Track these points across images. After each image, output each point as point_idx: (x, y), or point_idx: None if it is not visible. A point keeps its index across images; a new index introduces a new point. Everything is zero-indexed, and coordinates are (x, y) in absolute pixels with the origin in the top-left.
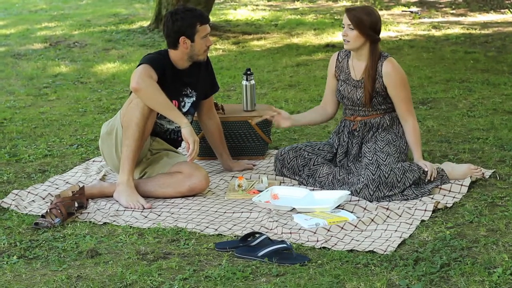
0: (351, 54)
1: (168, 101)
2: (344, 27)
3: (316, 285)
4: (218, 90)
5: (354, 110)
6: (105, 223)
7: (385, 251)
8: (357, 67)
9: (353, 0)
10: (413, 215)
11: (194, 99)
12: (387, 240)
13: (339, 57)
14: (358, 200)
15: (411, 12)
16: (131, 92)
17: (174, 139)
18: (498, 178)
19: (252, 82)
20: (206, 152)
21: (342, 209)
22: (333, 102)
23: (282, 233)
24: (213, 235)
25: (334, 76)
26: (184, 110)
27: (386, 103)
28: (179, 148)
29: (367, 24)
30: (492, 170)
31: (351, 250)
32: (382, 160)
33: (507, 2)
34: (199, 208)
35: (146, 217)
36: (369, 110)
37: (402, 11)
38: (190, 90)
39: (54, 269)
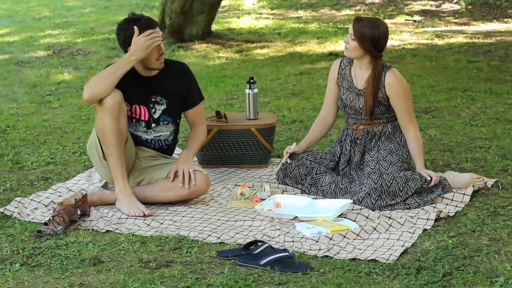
0: (354, 62)
1: (109, 67)
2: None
3: None
4: (198, 104)
5: (357, 119)
6: (107, 231)
7: (387, 260)
8: (360, 76)
9: (356, 9)
10: (415, 224)
11: (165, 107)
12: (389, 249)
13: (342, 64)
14: (361, 208)
15: (414, 21)
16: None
17: (159, 148)
18: (501, 187)
19: (255, 90)
20: (208, 160)
21: (345, 217)
22: (334, 110)
23: (284, 241)
24: (215, 243)
25: (336, 82)
26: (155, 116)
27: (388, 112)
28: (173, 155)
29: (368, 40)
30: (495, 179)
31: (353, 259)
32: (385, 169)
33: (510, 11)
34: (202, 216)
35: (148, 225)
36: (372, 119)
37: (405, 20)
38: (160, 98)
39: (56, 276)
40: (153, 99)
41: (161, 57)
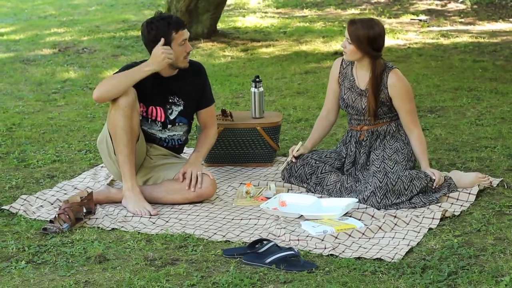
0: (355, 63)
1: (124, 72)
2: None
3: None
4: (210, 106)
5: (360, 120)
6: (113, 229)
7: (392, 259)
8: (361, 76)
9: (361, 8)
10: (420, 223)
11: (182, 108)
12: (394, 247)
13: (343, 63)
14: (366, 207)
15: (420, 20)
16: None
17: (171, 147)
18: (506, 187)
19: (261, 89)
20: (214, 158)
21: (350, 216)
22: (335, 108)
23: (289, 240)
24: (221, 241)
25: (337, 81)
26: (172, 117)
27: (391, 112)
28: (181, 154)
29: (364, 41)
30: (500, 179)
31: (359, 258)
32: (390, 168)
33: None
34: (207, 215)
35: (154, 223)
36: (375, 120)
37: (411, 19)
38: (178, 99)
39: (62, 274)
40: (170, 100)
41: (188, 56)
